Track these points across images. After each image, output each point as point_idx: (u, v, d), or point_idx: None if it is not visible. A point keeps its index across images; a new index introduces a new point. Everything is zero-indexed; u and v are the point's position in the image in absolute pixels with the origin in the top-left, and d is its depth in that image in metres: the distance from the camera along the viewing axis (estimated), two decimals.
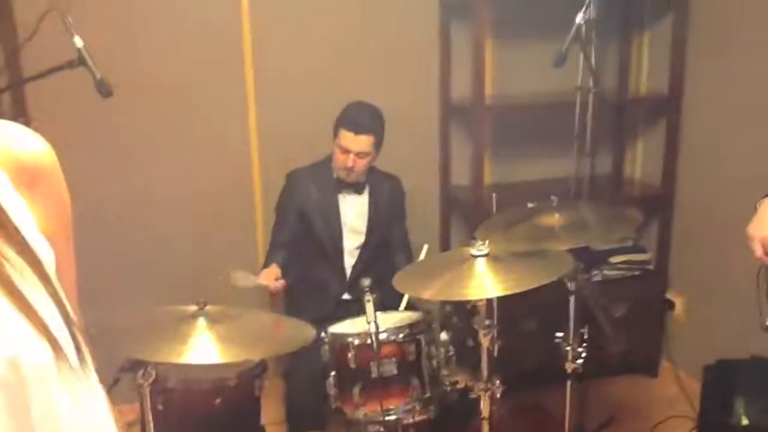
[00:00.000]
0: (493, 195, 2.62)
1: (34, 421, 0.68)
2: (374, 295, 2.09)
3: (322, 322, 2.28)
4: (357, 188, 2.80)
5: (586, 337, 2.34)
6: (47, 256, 0.74)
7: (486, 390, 2.08)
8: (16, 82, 2.63)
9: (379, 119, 2.70)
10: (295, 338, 2.02)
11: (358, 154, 2.66)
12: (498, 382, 2.10)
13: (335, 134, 2.69)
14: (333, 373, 2.18)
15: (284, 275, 2.68)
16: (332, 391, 2.17)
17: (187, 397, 2.18)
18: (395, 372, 2.12)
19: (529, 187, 3.30)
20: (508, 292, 1.91)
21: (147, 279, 2.92)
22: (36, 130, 0.78)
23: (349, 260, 2.84)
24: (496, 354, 2.25)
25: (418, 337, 2.16)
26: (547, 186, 3.08)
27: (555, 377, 2.41)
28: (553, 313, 2.38)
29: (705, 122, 3.12)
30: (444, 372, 2.20)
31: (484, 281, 1.96)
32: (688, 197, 3.22)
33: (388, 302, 2.38)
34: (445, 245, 3.40)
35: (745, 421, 2.24)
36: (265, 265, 2.74)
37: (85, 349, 0.77)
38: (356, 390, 2.11)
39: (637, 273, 3.30)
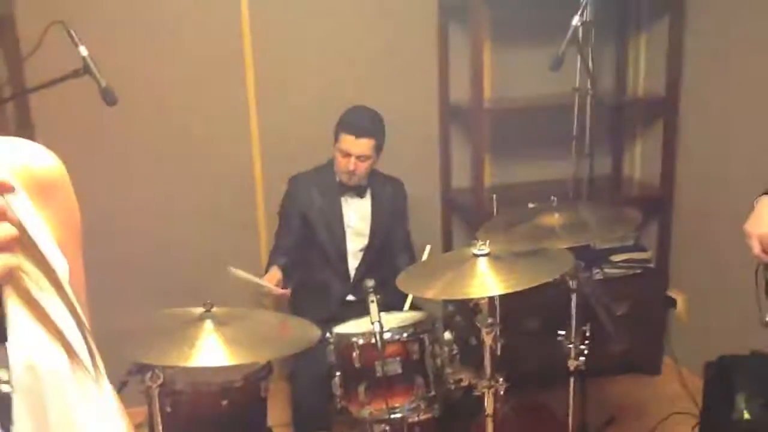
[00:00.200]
0: (494, 197, 2.65)
1: (52, 424, 0.70)
2: (378, 296, 2.12)
3: (326, 323, 2.31)
4: (359, 191, 2.83)
5: (588, 334, 2.37)
6: (61, 265, 0.77)
7: (489, 387, 2.10)
8: (21, 91, 2.66)
9: (379, 123, 2.73)
10: (300, 339, 2.04)
11: (359, 158, 2.70)
12: (501, 379, 2.12)
13: (336, 138, 2.72)
14: (338, 373, 2.20)
15: (287, 279, 2.71)
16: (338, 390, 2.19)
17: (195, 400, 2.21)
18: (400, 371, 2.14)
19: (529, 189, 3.33)
20: (510, 290, 1.93)
21: (152, 283, 2.95)
22: (39, 136, 0.83)
23: (353, 263, 2.87)
24: (499, 353, 2.27)
25: (421, 336, 2.19)
26: (547, 187, 3.11)
27: (558, 376, 2.43)
28: (556, 312, 2.41)
29: (702, 123, 3.15)
30: (448, 370, 2.23)
31: (485, 280, 1.98)
32: (687, 196, 3.25)
33: (391, 303, 2.41)
34: (447, 247, 3.43)
35: (746, 416, 2.26)
36: (267, 269, 2.77)
37: (97, 353, 0.79)
38: (361, 389, 2.14)
39: (638, 271, 3.33)
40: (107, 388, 0.81)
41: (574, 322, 2.37)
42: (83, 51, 2.15)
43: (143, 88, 2.92)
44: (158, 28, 2.98)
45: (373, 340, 2.06)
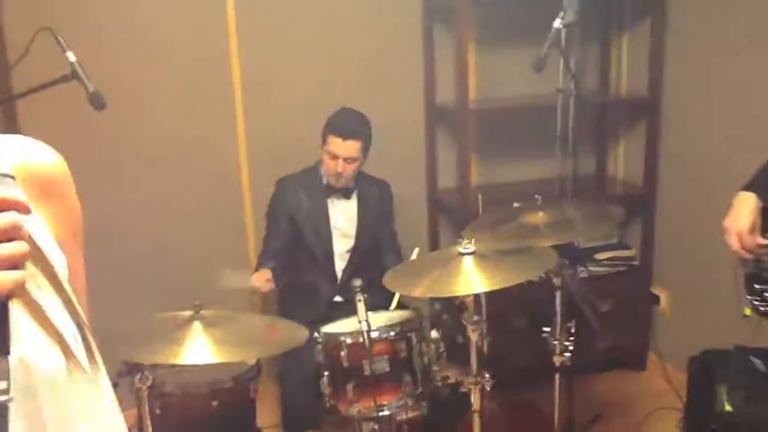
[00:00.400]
0: (479, 196, 2.68)
1: (47, 425, 0.71)
2: (365, 295, 2.14)
3: (314, 324, 2.33)
4: (345, 193, 2.86)
5: (573, 330, 2.40)
6: (61, 264, 0.78)
7: (476, 384, 2.13)
8: (8, 97, 2.67)
9: (366, 125, 2.76)
10: (288, 339, 2.06)
11: (346, 160, 2.72)
12: (487, 376, 2.15)
13: (324, 141, 2.75)
14: (327, 372, 2.22)
15: (275, 281, 2.73)
16: (326, 390, 2.22)
17: (184, 401, 2.22)
18: (387, 369, 2.17)
19: (514, 188, 3.37)
20: (495, 288, 1.96)
21: (140, 285, 2.95)
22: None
23: (340, 264, 2.89)
24: (486, 351, 2.31)
25: (409, 334, 2.22)
26: (533, 187, 3.12)
27: (544, 372, 2.47)
28: (542, 310, 2.44)
29: (684, 122, 3.20)
30: (435, 368, 2.26)
31: (471, 278, 2.01)
32: (670, 195, 3.30)
33: (378, 303, 2.44)
34: (434, 247, 3.46)
35: (728, 408, 2.30)
36: (256, 271, 2.79)
37: (96, 351, 0.80)
38: (350, 387, 2.16)
39: (622, 269, 3.37)
40: (105, 384, 0.82)
41: (559, 319, 2.41)
42: (71, 56, 2.17)
43: (130, 92, 2.93)
44: (145, 32, 2.99)
45: (361, 339, 2.09)
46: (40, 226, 0.77)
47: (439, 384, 2.25)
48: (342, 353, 2.17)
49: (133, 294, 2.85)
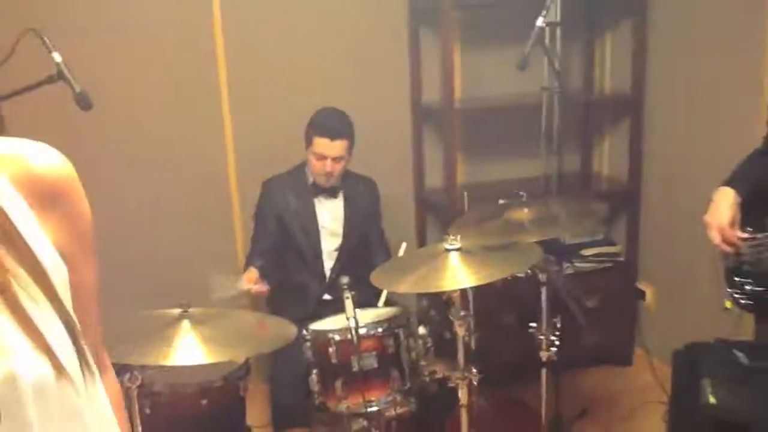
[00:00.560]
0: (465, 194, 2.70)
1: None
2: (353, 292, 2.16)
3: (303, 321, 2.34)
4: (332, 192, 2.87)
5: (559, 326, 2.43)
6: (59, 272, 0.74)
7: (463, 378, 2.15)
8: None
9: (349, 123, 2.78)
10: (278, 337, 2.07)
11: (334, 159, 2.74)
12: (475, 371, 2.17)
13: (309, 142, 2.76)
14: (315, 369, 2.24)
15: (264, 280, 2.73)
16: (315, 386, 2.23)
17: (174, 400, 2.22)
18: (376, 365, 2.18)
19: (500, 187, 3.39)
20: (481, 282, 1.99)
21: (128, 285, 2.93)
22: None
23: (328, 263, 2.90)
24: (473, 346, 2.33)
25: (396, 331, 2.23)
26: (518, 185, 3.13)
27: (531, 368, 2.49)
28: (528, 306, 2.46)
29: (667, 119, 3.24)
30: (423, 363, 2.27)
31: (457, 273, 2.03)
32: (654, 191, 3.34)
33: (367, 301, 2.45)
34: (421, 245, 3.47)
35: (712, 400, 2.33)
36: (245, 271, 2.80)
37: (92, 361, 0.78)
38: (338, 384, 2.18)
39: (608, 265, 3.40)
40: (100, 395, 0.80)
41: (545, 315, 2.43)
42: (57, 57, 2.16)
43: (117, 92, 2.94)
44: (131, 32, 3.00)
45: (349, 336, 2.10)
46: (38, 235, 0.74)
47: (427, 379, 2.27)
48: (330, 350, 2.19)
49: (120, 294, 2.84)
